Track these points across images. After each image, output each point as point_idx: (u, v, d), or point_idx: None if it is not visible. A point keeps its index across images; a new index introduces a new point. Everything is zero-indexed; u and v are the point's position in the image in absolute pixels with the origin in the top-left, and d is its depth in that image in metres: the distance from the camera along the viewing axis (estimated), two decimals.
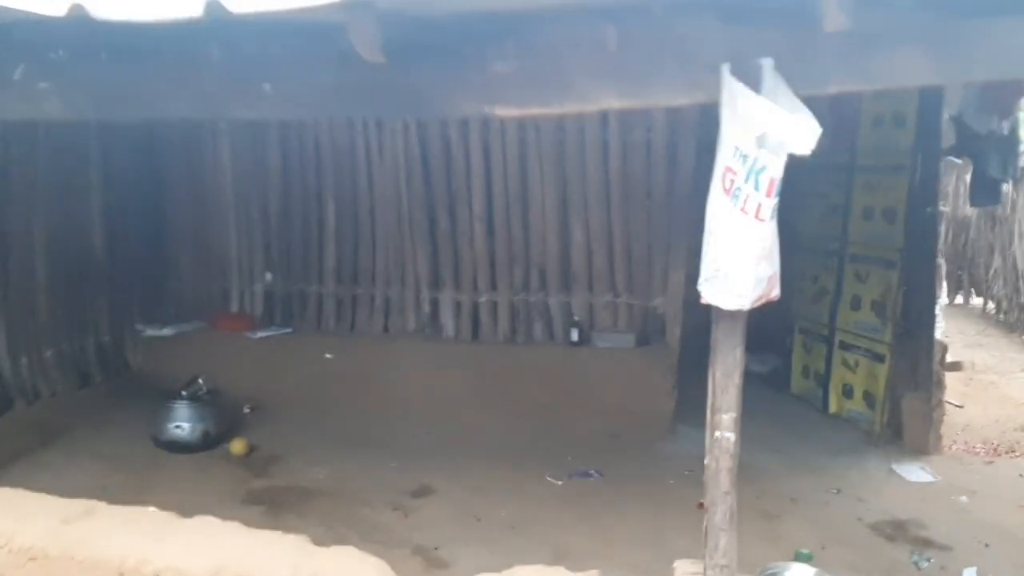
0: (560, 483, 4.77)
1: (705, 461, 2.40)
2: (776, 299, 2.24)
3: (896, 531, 4.15)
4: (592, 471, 4.89)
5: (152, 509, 3.01)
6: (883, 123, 5.27)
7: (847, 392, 5.60)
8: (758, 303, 2.18)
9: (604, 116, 5.32)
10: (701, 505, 4.42)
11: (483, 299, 5.77)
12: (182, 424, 5.03)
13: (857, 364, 5.50)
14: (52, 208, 5.29)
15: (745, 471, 4.59)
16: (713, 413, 2.33)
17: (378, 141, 5.75)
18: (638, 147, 5.38)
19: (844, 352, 5.63)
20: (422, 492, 4.63)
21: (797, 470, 4.87)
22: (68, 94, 2.70)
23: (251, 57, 2.42)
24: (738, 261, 2.10)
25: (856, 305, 5.52)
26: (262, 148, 6.01)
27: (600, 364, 5.48)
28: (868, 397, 5.39)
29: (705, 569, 2.36)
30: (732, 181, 2.08)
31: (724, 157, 2.11)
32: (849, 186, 5.59)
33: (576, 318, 5.62)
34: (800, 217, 6.11)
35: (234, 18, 1.92)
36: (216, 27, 2.01)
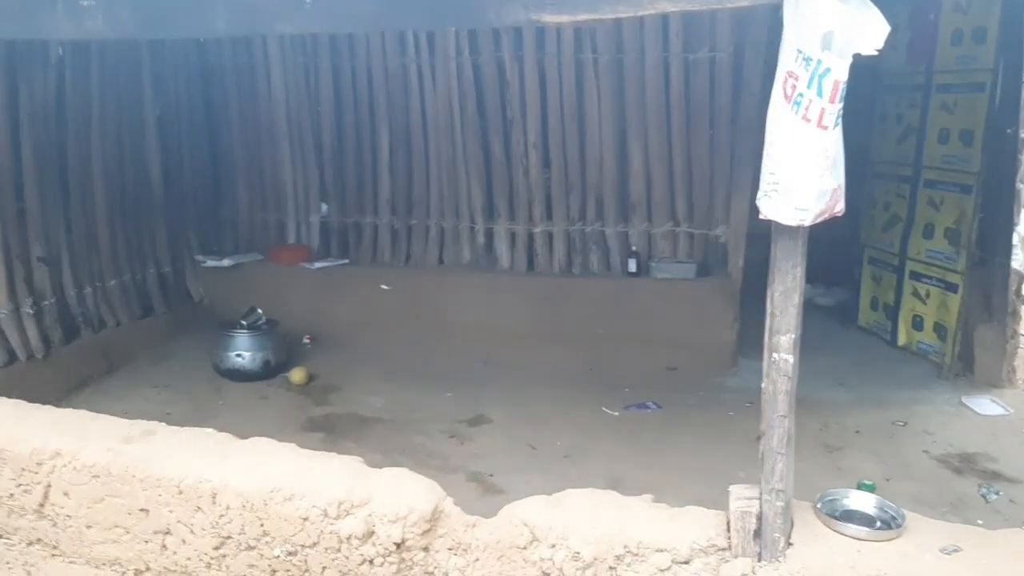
0: (616, 414, 4.72)
1: (762, 384, 2.29)
2: (840, 214, 2.10)
3: (964, 464, 4.02)
4: (649, 403, 4.82)
5: (210, 430, 3.05)
6: (963, 38, 4.95)
7: (917, 324, 5.39)
8: (821, 218, 2.04)
9: (665, 33, 5.11)
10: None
11: (538, 229, 5.66)
12: (243, 353, 5.11)
13: (928, 294, 5.28)
14: (108, 140, 5.32)
15: (808, 403, 4.54)
16: (771, 335, 2.22)
17: (431, 66, 5.62)
18: (701, 67, 5.16)
19: (915, 282, 5.40)
20: (477, 421, 4.63)
21: (862, 403, 4.74)
22: (112, 11, 2.64)
23: None
24: (799, 173, 1.96)
25: (929, 233, 5.27)
26: (315, 76, 5.94)
27: (659, 295, 5.36)
28: (939, 329, 5.18)
29: (761, 494, 2.28)
30: (794, 87, 1.93)
31: (785, 61, 1.96)
32: (925, 107, 5.29)
33: (634, 248, 5.49)
34: (874, 141, 5.86)
35: None
36: None
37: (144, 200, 5.69)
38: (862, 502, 2.50)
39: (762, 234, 4.61)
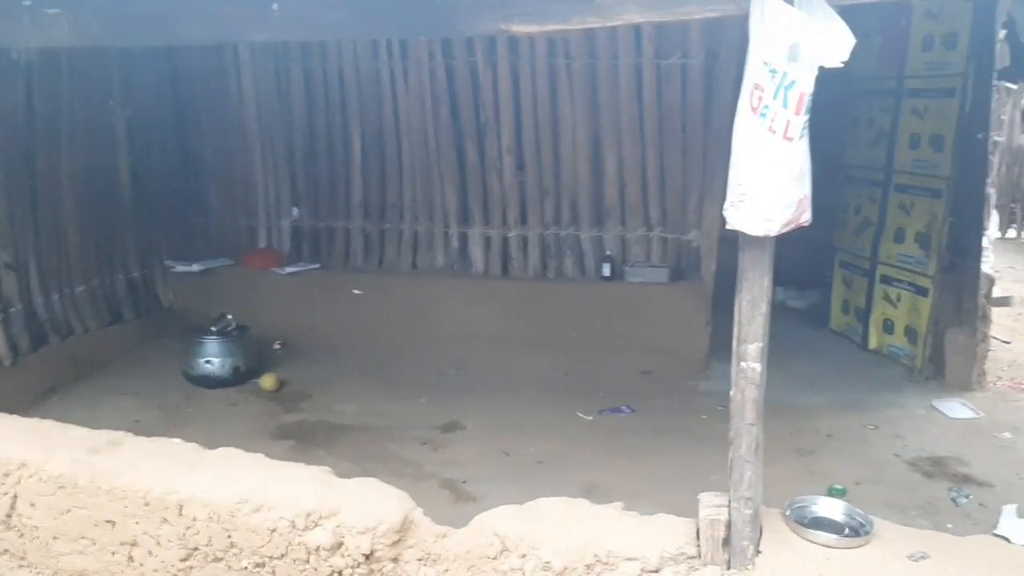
0: (591, 419, 4.72)
1: (731, 392, 2.30)
2: (807, 224, 2.11)
3: (935, 467, 4.05)
4: (623, 407, 4.83)
5: (178, 441, 3.01)
6: (933, 44, 5.01)
7: (888, 327, 5.44)
8: (787, 228, 2.06)
9: (638, 41, 5.13)
10: None
11: (513, 234, 5.65)
12: (212, 359, 5.06)
13: (899, 298, 5.33)
14: (77, 144, 5.24)
15: (780, 407, 4.56)
16: (739, 343, 2.23)
17: (403, 70, 5.60)
18: (673, 73, 5.17)
19: (886, 286, 5.45)
20: (451, 428, 4.61)
21: (834, 407, 4.77)
22: (78, 19, 2.61)
23: None
24: (766, 184, 1.98)
25: (900, 237, 5.32)
26: (286, 80, 5.90)
27: (632, 299, 5.37)
28: (910, 332, 5.23)
29: (730, 501, 2.29)
30: (760, 98, 1.94)
31: (751, 73, 1.97)
32: (896, 112, 5.35)
33: (608, 252, 5.50)
34: (845, 146, 5.91)
35: None
36: None
37: (113, 205, 5.62)
38: (831, 509, 2.52)
39: (734, 239, 4.62)
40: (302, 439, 4.45)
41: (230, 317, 5.28)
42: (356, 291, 5.72)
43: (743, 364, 2.25)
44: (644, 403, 4.89)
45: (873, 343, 5.56)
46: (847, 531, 2.41)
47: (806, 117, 1.92)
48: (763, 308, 2.19)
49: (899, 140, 5.34)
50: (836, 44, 1.83)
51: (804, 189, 2.06)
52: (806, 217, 2.12)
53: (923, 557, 2.29)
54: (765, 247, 2.15)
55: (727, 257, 5.22)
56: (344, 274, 5.93)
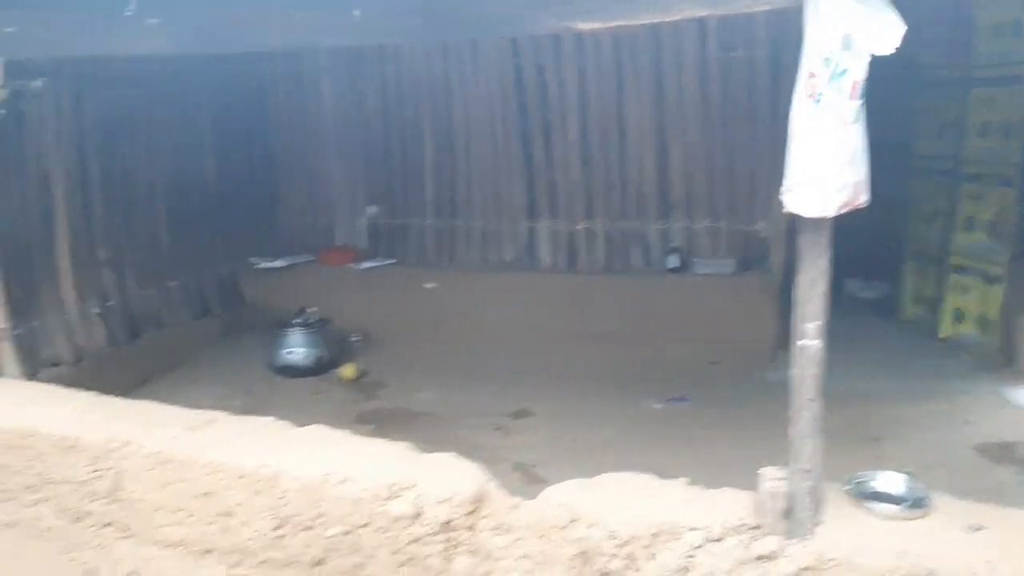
0: (657, 408, 4.82)
1: (791, 370, 2.40)
2: (864, 205, 2.20)
3: (1004, 453, 4.04)
4: (689, 397, 4.91)
5: (269, 419, 3.24)
6: (1003, 32, 4.96)
7: (958, 316, 5.40)
8: (843, 209, 2.15)
9: (703, 33, 5.21)
10: None
11: (579, 228, 5.79)
12: (295, 350, 5.32)
13: (970, 287, 5.28)
14: (169, 149, 5.59)
15: (850, 395, 4.62)
16: (798, 322, 2.32)
17: (473, 71, 5.79)
18: (740, 64, 5.24)
19: (957, 275, 5.41)
20: (521, 415, 4.77)
21: (904, 394, 4.76)
22: (175, 30, 2.84)
23: None
24: (821, 168, 2.08)
25: (970, 226, 5.28)
26: (362, 84, 6.15)
27: (700, 291, 5.45)
28: (981, 321, 5.19)
29: (790, 474, 2.38)
30: (815, 86, 2.05)
31: (807, 61, 2.07)
32: (965, 101, 5.31)
33: (674, 244, 5.58)
34: (914, 136, 5.87)
35: None
36: None
37: (201, 206, 5.95)
38: (891, 483, 2.59)
39: (790, 230, 4.65)
40: (381, 424, 4.66)
41: (312, 310, 5.54)
42: (428, 285, 5.93)
43: (802, 342, 2.34)
44: (711, 393, 4.96)
45: (944, 332, 5.52)
46: (908, 504, 2.48)
47: (859, 102, 2.01)
48: (821, 288, 2.28)
49: (968, 129, 5.30)
50: (888, 33, 1.92)
51: (860, 172, 2.15)
52: (863, 199, 2.21)
53: (980, 528, 2.35)
54: (822, 229, 2.24)
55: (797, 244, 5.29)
56: (418, 269, 6.15)
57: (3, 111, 4.05)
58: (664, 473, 3.76)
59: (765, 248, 5.41)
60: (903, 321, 6.01)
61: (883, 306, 6.29)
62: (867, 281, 6.56)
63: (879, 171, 2.20)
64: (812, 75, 2.07)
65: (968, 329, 5.31)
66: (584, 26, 2.39)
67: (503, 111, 5.78)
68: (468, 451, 4.18)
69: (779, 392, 4.77)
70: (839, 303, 6.57)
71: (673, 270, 5.54)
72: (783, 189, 2.22)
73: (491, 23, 2.53)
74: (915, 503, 2.47)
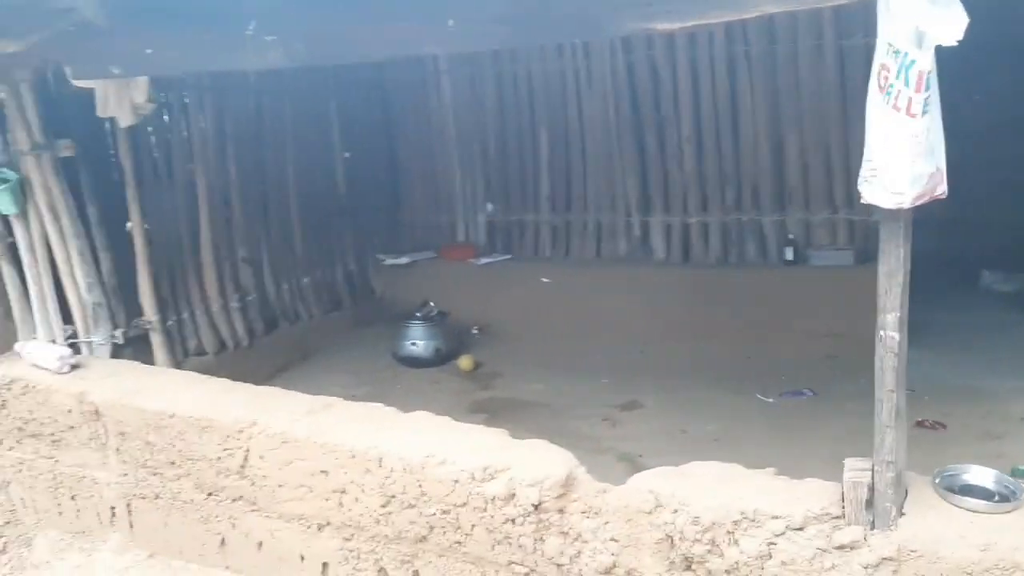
0: (770, 401, 4.78)
1: (874, 361, 2.39)
2: (942, 197, 2.19)
3: None
4: (805, 390, 4.85)
5: (379, 405, 3.46)
6: None
7: None
8: (920, 201, 2.14)
9: (818, 21, 5.11)
10: (919, 423, 4.31)
11: (694, 221, 5.79)
12: (417, 342, 5.60)
13: None
14: (301, 152, 5.97)
15: (974, 392, 4.44)
16: (879, 313, 2.32)
17: (586, 69, 5.90)
18: (856, 52, 5.10)
19: None
20: (631, 406, 4.84)
21: None
22: (289, 44, 3.08)
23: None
24: (893, 159, 2.08)
25: None
26: (480, 85, 6.37)
27: (817, 283, 5.35)
28: None
29: (873, 465, 2.38)
30: (886, 78, 2.05)
31: (879, 54, 2.08)
32: None
33: (791, 236, 5.50)
34: None
35: None
36: None
37: (331, 205, 6.32)
38: (982, 477, 2.54)
39: (925, 221, 4.60)
40: (494, 413, 4.84)
41: (432, 304, 5.81)
42: (544, 279, 6.08)
43: (882, 333, 2.34)
44: (827, 387, 4.87)
45: None
46: (996, 498, 2.43)
47: (927, 94, 2.01)
48: (899, 279, 2.28)
49: None
50: (952, 25, 1.91)
51: (935, 164, 2.13)
52: (941, 190, 2.20)
53: None
54: (899, 220, 2.24)
55: (921, 241, 5.11)
56: (533, 264, 6.32)
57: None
58: (770, 466, 3.81)
59: None
60: None
61: (1020, 300, 5.97)
62: (1005, 273, 6.24)
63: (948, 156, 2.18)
64: (883, 67, 2.08)
65: None
66: (662, 26, 2.46)
67: (616, 107, 5.85)
68: (575, 441, 4.33)
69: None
70: (975, 296, 6.33)
71: (789, 263, 5.45)
72: (859, 180, 2.23)
73: (574, 27, 2.63)
74: (1005, 498, 2.42)
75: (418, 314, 5.76)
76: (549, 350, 5.73)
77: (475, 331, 6.15)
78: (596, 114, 5.94)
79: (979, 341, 5.27)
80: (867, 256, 5.33)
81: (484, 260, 6.38)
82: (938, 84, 2.05)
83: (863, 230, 5.38)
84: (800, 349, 5.25)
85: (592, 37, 5.05)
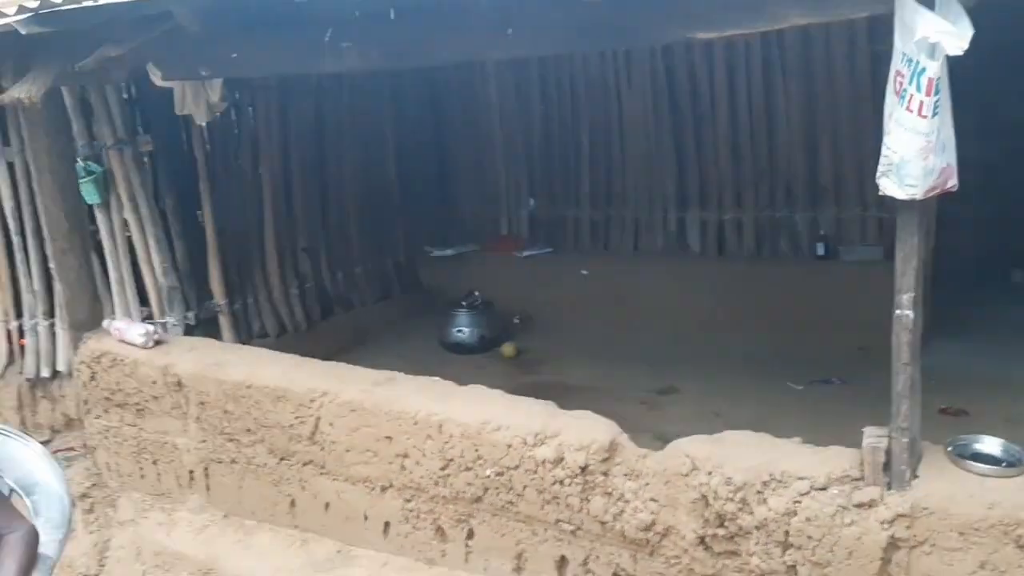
0: (800, 388, 5.02)
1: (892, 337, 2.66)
2: (953, 190, 2.46)
3: None
4: (834, 378, 5.07)
5: (437, 379, 3.79)
6: None
7: None
8: (932, 193, 2.42)
9: (852, 28, 5.33)
10: (943, 411, 4.54)
11: (728, 216, 6.04)
12: (463, 329, 5.90)
13: None
14: (356, 149, 6.30)
15: (997, 382, 4.66)
16: (895, 294, 2.59)
17: (627, 71, 6.16)
18: (888, 57, 5.30)
19: None
20: (667, 391, 5.10)
21: None
22: (363, 50, 3.40)
23: (496, 7, 2.96)
24: (906, 155, 2.35)
25: None
26: (525, 86, 6.66)
27: (847, 278, 5.56)
28: None
29: (889, 432, 2.65)
30: (900, 83, 2.33)
31: (895, 62, 2.36)
32: None
33: (822, 232, 5.73)
34: None
35: None
36: None
37: (384, 199, 6.63)
38: (991, 446, 2.79)
39: (955, 219, 4.85)
40: (537, 397, 5.11)
41: (477, 294, 6.12)
42: (584, 271, 6.36)
43: (898, 312, 2.61)
44: (856, 376, 5.07)
45: None
46: (1004, 464, 2.69)
47: (936, 97, 2.28)
48: (914, 263, 2.55)
49: None
50: (959, 37, 2.18)
51: (947, 159, 2.41)
52: (952, 183, 2.48)
53: None
54: (914, 210, 2.51)
55: (949, 238, 5.35)
56: (573, 257, 6.58)
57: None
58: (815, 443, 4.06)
59: None
60: None
61: None
62: None
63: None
64: (899, 73, 2.35)
65: None
66: (702, 35, 2.74)
67: (655, 107, 6.11)
68: (614, 420, 4.64)
69: (926, 376, 4.92)
70: (1006, 293, 6.46)
71: (821, 257, 5.69)
72: (877, 174, 2.50)
73: (622, 34, 2.92)
74: (1011, 464, 2.67)
75: (464, 303, 6.06)
76: (588, 338, 6.00)
77: (517, 320, 6.43)
78: (635, 114, 6.21)
79: (1006, 335, 5.44)
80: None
81: (526, 253, 6.67)
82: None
83: (892, 227, 5.55)
84: (830, 340, 5.45)
85: (639, 45, 5.33)
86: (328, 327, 5.98)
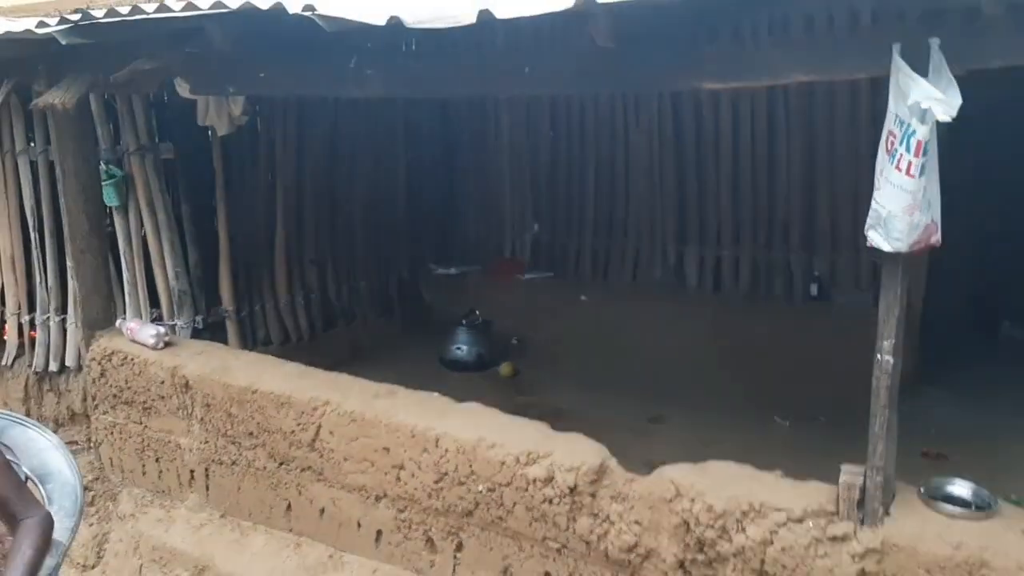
0: (786, 423, 5.16)
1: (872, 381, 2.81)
2: (936, 244, 2.61)
3: None
4: (821, 416, 5.21)
5: (436, 394, 3.93)
6: None
7: None
8: (917, 247, 2.57)
9: (855, 86, 5.52)
10: (924, 453, 4.69)
11: (725, 253, 6.19)
12: (461, 346, 6.04)
13: None
14: (368, 170, 6.46)
15: (979, 431, 4.77)
16: (877, 340, 2.74)
17: (635, 112, 6.34)
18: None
19: None
20: (657, 420, 5.24)
21: None
22: (386, 77, 3.57)
23: (514, 47, 3.13)
24: (894, 210, 2.51)
25: None
26: (536, 120, 6.85)
27: (839, 320, 5.71)
28: None
29: (865, 470, 2.79)
30: (892, 143, 2.49)
31: (888, 122, 2.52)
32: None
33: (816, 274, 5.89)
34: None
35: (500, 21, 2.62)
36: (487, 27, 2.71)
37: (391, 217, 6.79)
38: (962, 489, 2.93)
39: (947, 272, 4.94)
40: (530, 418, 5.25)
41: (477, 313, 6.27)
42: (583, 298, 6.52)
43: (879, 356, 2.76)
44: (843, 416, 5.20)
45: None
46: (973, 507, 2.83)
47: (924, 159, 2.44)
48: (896, 312, 2.70)
49: None
50: (948, 104, 2.34)
51: (929, 216, 2.57)
52: (935, 239, 2.63)
53: None
54: (898, 262, 2.66)
55: (943, 290, 5.51)
56: (573, 283, 6.74)
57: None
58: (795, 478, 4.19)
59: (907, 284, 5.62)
60: None
61: None
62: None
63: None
64: (891, 133, 2.52)
65: None
66: (709, 86, 2.91)
67: (660, 147, 6.28)
68: (605, 447, 4.78)
69: (912, 420, 5.06)
70: (994, 344, 6.57)
71: (813, 298, 5.84)
72: (866, 227, 2.66)
73: (633, 80, 3.09)
74: (980, 507, 2.81)
75: (464, 321, 6.21)
76: (583, 364, 6.13)
77: (515, 341, 6.57)
78: (640, 152, 6.38)
79: (992, 386, 5.59)
80: None
81: (527, 276, 6.83)
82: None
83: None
84: (820, 380, 5.59)
85: (649, 90, 5.51)
86: (330, 339, 6.13)
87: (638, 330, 6.22)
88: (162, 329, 4.51)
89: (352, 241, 6.42)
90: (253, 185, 5.55)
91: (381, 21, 2.79)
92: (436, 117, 7.19)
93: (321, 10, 2.89)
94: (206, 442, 4.24)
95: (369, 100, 6.23)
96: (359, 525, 3.88)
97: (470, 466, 3.47)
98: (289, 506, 4.09)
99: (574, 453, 3.32)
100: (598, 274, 6.79)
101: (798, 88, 5.66)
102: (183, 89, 4.24)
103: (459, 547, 3.61)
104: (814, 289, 5.84)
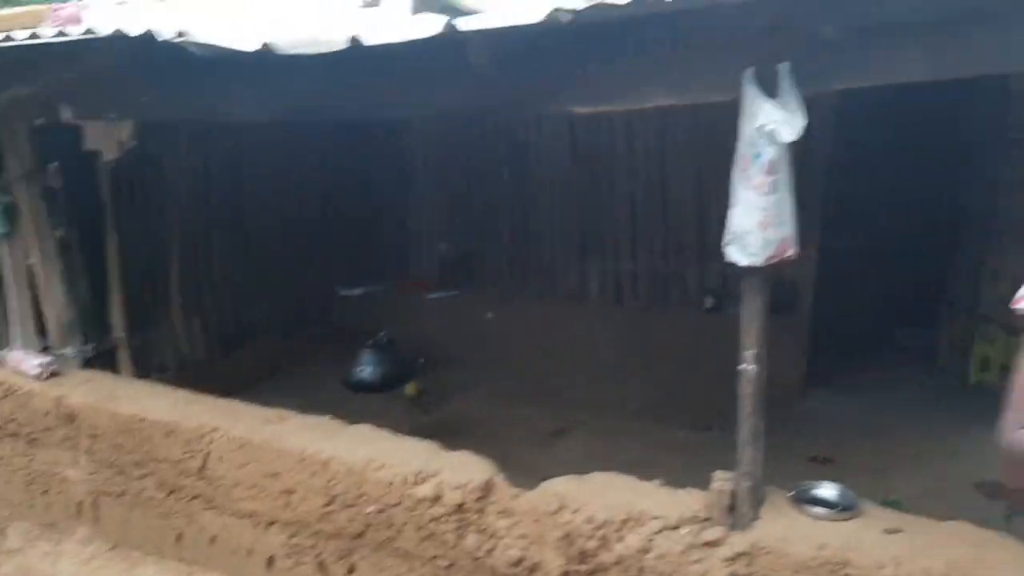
0: (682, 434, 5.29)
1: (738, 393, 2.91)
2: (792, 258, 2.74)
3: (999, 492, 4.35)
4: (714, 425, 5.36)
5: (327, 418, 3.91)
6: None
7: (985, 365, 5.70)
8: (772, 261, 2.69)
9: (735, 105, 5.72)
10: (813, 459, 4.86)
11: (626, 267, 6.35)
12: (366, 367, 6.03)
13: (996, 337, 5.59)
14: (274, 187, 6.41)
15: (867, 433, 4.96)
16: (741, 351, 2.84)
17: (539, 129, 6.47)
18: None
19: (985, 325, 5.72)
20: (560, 434, 5.33)
21: (923, 434, 5.07)
22: (269, 103, 3.57)
23: (396, 72, 3.15)
24: (749, 226, 2.63)
25: (993, 277, 5.61)
26: (451, 137, 6.92)
27: (733, 329, 5.85)
28: (1004, 370, 5.47)
29: (734, 477, 2.89)
30: (744, 163, 2.60)
31: (740, 143, 2.64)
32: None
33: (710, 286, 6.07)
34: (964, 194, 6.21)
35: (370, 49, 2.64)
36: (359, 53, 2.73)
37: (302, 238, 6.75)
38: (829, 491, 3.06)
39: (842, 281, 5.12)
40: (434, 437, 5.20)
41: (383, 333, 6.26)
42: (489, 315, 6.58)
43: (742, 366, 2.87)
44: (735, 423, 5.39)
45: (973, 379, 5.81)
46: (839, 509, 2.95)
47: (774, 177, 2.56)
48: (757, 322, 2.82)
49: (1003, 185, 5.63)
50: (792, 126, 2.47)
51: (783, 231, 2.69)
52: (790, 252, 2.75)
53: (897, 531, 2.81)
54: (757, 275, 2.78)
55: (838, 299, 5.74)
56: (480, 300, 6.81)
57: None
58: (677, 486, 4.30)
59: (794, 293, 5.84)
60: (939, 368, 6.29)
61: (925, 354, 6.57)
62: (911, 328, 6.84)
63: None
64: (743, 155, 2.63)
65: (993, 377, 5.60)
66: (579, 109, 3.00)
67: (562, 164, 6.42)
68: (508, 463, 4.80)
69: (803, 425, 5.24)
70: (885, 350, 6.85)
71: (709, 310, 6.02)
72: (723, 242, 2.77)
73: (513, 104, 3.16)
74: (845, 508, 2.94)
75: (369, 342, 6.19)
76: (490, 380, 6.20)
77: (421, 360, 6.56)
78: (545, 170, 6.52)
79: (883, 390, 5.86)
80: (777, 308, 5.88)
81: (434, 295, 6.86)
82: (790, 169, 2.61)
83: (774, 285, 5.94)
84: (716, 388, 5.71)
85: (530, 113, 5.65)
86: (230, 363, 6.04)
87: (545, 344, 6.34)
88: (47, 359, 4.38)
89: (257, 262, 6.35)
90: (145, 210, 5.43)
91: (253, 47, 2.79)
92: (351, 135, 7.15)
93: (192, 36, 2.88)
94: (94, 473, 4.14)
95: (279, 124, 6.20)
96: (250, 552, 3.83)
97: (359, 488, 3.47)
98: (180, 535, 4.01)
99: (462, 471, 3.35)
100: (506, 290, 6.87)
101: (684, 106, 5.84)
102: (66, 115, 4.15)
103: (351, 570, 3.60)
104: (709, 301, 6.01)
